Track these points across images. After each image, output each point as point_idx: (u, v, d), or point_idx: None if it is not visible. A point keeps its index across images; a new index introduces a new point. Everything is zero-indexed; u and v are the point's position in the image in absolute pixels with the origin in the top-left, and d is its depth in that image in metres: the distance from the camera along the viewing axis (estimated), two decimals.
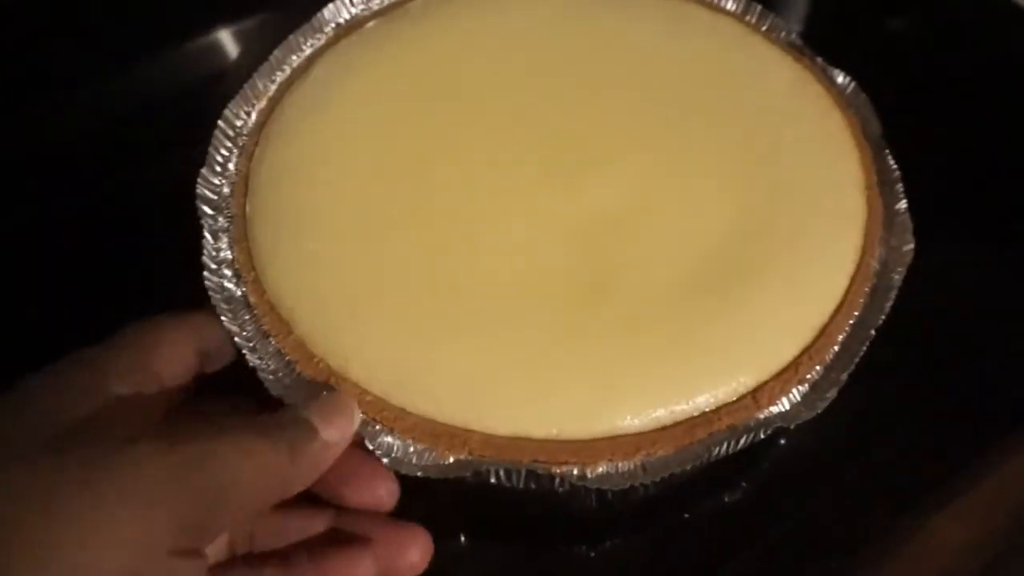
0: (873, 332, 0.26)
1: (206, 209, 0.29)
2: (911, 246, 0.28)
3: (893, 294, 0.27)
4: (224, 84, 0.43)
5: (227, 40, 0.45)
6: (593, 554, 0.29)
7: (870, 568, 0.29)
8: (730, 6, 0.35)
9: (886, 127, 0.31)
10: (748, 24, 0.35)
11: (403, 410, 0.24)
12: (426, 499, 0.29)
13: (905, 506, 0.30)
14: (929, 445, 0.31)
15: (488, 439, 0.24)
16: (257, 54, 0.34)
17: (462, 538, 0.29)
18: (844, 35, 0.44)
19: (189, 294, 0.27)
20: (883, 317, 0.26)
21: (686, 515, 0.30)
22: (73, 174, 0.39)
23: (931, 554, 0.31)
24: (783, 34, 0.34)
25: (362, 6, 0.36)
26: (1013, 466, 0.33)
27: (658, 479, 0.23)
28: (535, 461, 0.23)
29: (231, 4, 0.46)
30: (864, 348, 0.25)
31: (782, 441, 0.31)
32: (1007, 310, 0.35)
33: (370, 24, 0.35)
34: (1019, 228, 0.36)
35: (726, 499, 0.30)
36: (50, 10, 0.44)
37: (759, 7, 0.35)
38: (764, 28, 0.35)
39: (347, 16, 0.35)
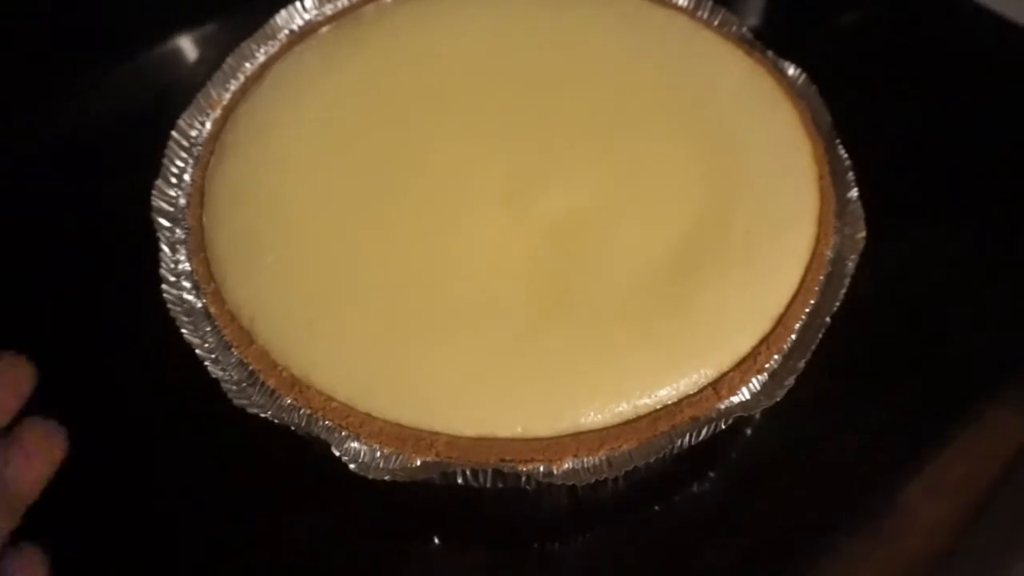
0: (829, 320, 0.26)
1: (163, 221, 0.29)
2: (863, 234, 0.28)
3: (847, 281, 0.27)
4: (181, 91, 0.43)
5: (185, 47, 0.44)
6: (566, 551, 0.29)
7: (844, 547, 0.30)
8: (682, 2, 0.36)
9: (836, 117, 0.32)
10: (700, 19, 0.35)
11: (369, 415, 0.24)
12: (398, 502, 0.29)
13: (878, 485, 0.31)
14: (898, 426, 0.32)
15: (454, 441, 0.24)
16: (214, 61, 0.33)
17: (435, 540, 0.29)
18: (798, 29, 0.45)
19: (148, 306, 0.27)
20: (838, 304, 0.26)
21: (656, 508, 0.30)
22: (26, 184, 0.38)
23: (904, 530, 0.31)
24: (734, 28, 0.35)
25: (315, 11, 0.36)
26: (982, 443, 0.33)
27: (623, 473, 0.23)
28: (501, 460, 0.23)
29: (188, 10, 0.45)
30: (820, 336, 0.26)
31: (748, 431, 0.32)
32: (962, 292, 0.35)
33: (324, 29, 0.35)
34: (969, 213, 0.37)
35: (695, 489, 0.30)
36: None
37: (710, 2, 0.35)
38: (716, 23, 0.35)
39: (300, 22, 0.35)
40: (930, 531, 0.31)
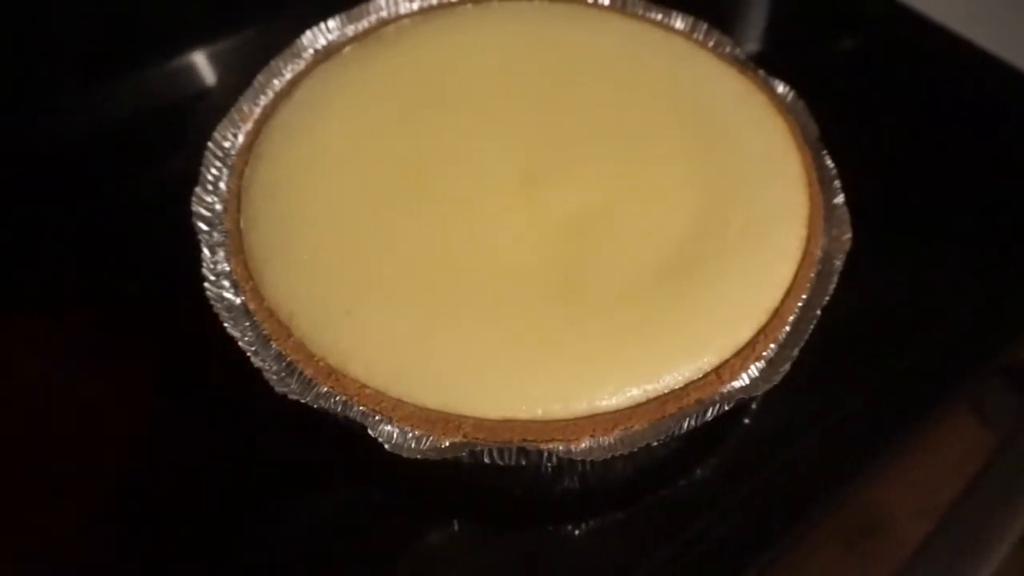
0: (819, 312, 0.29)
1: (201, 225, 0.31)
2: (849, 235, 0.31)
3: (835, 278, 0.30)
4: (204, 103, 0.45)
5: (204, 61, 0.47)
6: (577, 532, 0.31)
7: (833, 524, 0.32)
8: (679, 25, 0.39)
9: (824, 132, 0.34)
10: (696, 41, 0.38)
11: (400, 400, 0.26)
12: (420, 488, 0.31)
13: (856, 472, 0.33)
14: (878, 420, 0.34)
15: (480, 423, 0.26)
16: (235, 73, 0.36)
17: (455, 523, 0.31)
18: (790, 54, 0.48)
19: (190, 303, 0.29)
20: (827, 298, 0.29)
21: (663, 491, 0.32)
22: (57, 190, 0.41)
23: (881, 517, 0.34)
24: (728, 49, 0.38)
25: (338, 32, 0.38)
26: (956, 443, 0.36)
27: (636, 449, 0.25)
28: (524, 440, 0.25)
29: (207, 26, 0.48)
30: (812, 326, 0.28)
31: (746, 420, 0.34)
32: (935, 288, 0.38)
33: (347, 49, 0.37)
34: (944, 221, 0.40)
35: (698, 473, 0.32)
36: (25, 30, 0.46)
37: (705, 25, 0.38)
38: (711, 44, 0.38)
39: (324, 42, 0.38)
40: (905, 520, 0.34)
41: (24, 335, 0.34)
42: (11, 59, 0.45)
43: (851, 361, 0.35)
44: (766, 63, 0.37)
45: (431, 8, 0.39)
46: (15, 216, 0.39)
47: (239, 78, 0.36)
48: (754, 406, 0.34)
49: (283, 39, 0.37)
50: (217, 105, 0.35)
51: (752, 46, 0.48)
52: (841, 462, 0.33)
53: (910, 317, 0.37)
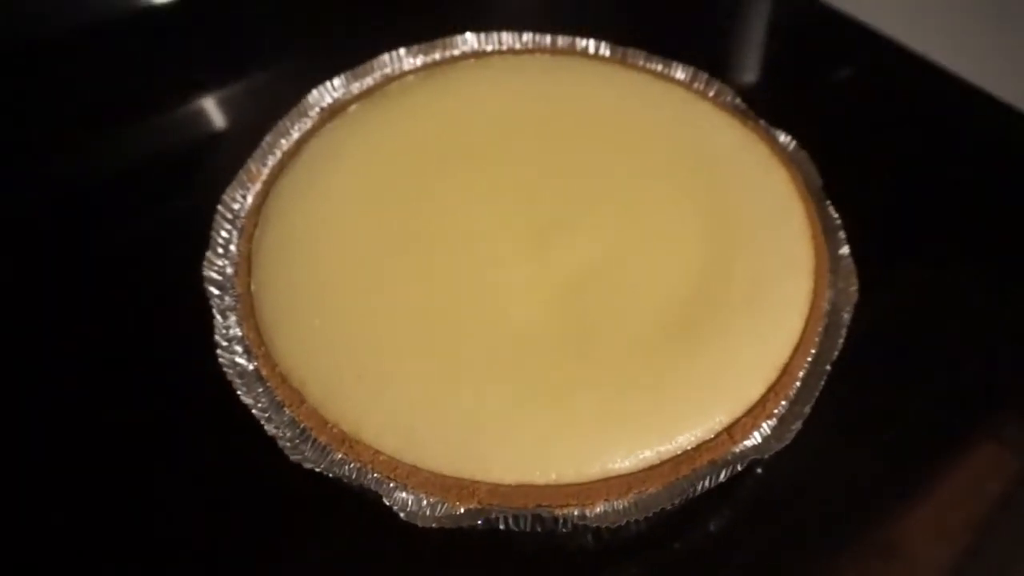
0: (829, 367, 0.29)
1: (213, 290, 0.31)
2: (856, 287, 0.31)
3: (844, 331, 0.30)
4: (210, 151, 0.46)
5: (211, 108, 0.47)
6: None
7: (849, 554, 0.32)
8: (680, 75, 0.39)
9: (827, 180, 0.35)
10: (696, 91, 0.39)
11: (415, 467, 0.26)
12: (437, 548, 0.31)
13: (873, 518, 0.33)
14: (889, 463, 0.34)
15: (495, 488, 0.26)
16: (240, 122, 0.36)
17: None
18: (791, 99, 0.49)
19: (202, 370, 0.29)
20: (837, 353, 0.29)
21: (676, 545, 0.32)
22: (61, 239, 0.41)
23: (899, 562, 0.33)
24: (728, 98, 0.38)
25: (343, 90, 0.39)
26: (968, 482, 0.36)
27: (650, 514, 0.25)
28: (539, 506, 0.25)
29: (212, 73, 0.48)
30: (823, 382, 0.28)
31: (758, 470, 0.34)
32: (951, 334, 0.38)
33: (352, 107, 0.38)
34: (950, 266, 0.41)
35: (712, 527, 0.32)
36: (29, 79, 0.46)
37: (706, 76, 0.39)
38: (711, 94, 0.38)
39: (330, 100, 0.38)
40: (923, 564, 0.34)
41: (32, 400, 0.34)
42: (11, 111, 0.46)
43: (862, 407, 0.35)
44: (767, 108, 0.37)
45: (434, 64, 0.40)
46: (19, 272, 0.40)
47: (243, 122, 0.36)
48: (766, 456, 0.34)
49: (292, 88, 0.38)
50: (226, 155, 0.35)
51: (752, 90, 0.49)
52: (858, 509, 0.33)
53: (924, 362, 0.37)
